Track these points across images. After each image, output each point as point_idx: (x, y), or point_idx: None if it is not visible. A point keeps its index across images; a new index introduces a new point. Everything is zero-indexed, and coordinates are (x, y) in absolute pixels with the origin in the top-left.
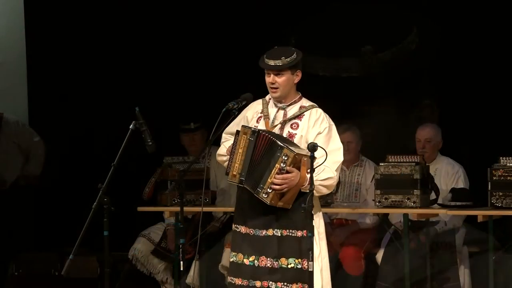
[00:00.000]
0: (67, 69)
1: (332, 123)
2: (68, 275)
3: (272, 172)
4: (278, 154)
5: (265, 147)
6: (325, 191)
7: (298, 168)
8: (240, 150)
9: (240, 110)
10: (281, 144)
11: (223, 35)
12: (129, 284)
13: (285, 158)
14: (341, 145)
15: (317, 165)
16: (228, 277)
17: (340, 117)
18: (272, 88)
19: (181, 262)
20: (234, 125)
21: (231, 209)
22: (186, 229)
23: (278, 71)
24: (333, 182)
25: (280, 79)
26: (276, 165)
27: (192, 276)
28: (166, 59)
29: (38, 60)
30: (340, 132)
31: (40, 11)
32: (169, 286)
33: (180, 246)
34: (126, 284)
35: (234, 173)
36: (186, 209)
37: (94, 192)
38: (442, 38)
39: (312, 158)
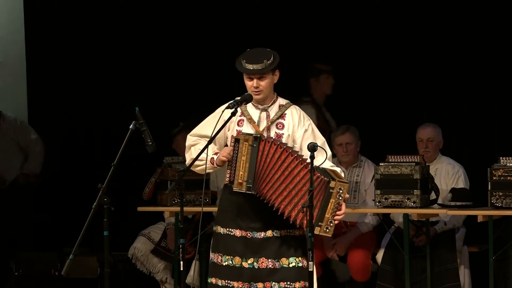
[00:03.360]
0: (67, 68)
1: (309, 118)
2: (68, 275)
3: (329, 207)
4: (331, 190)
5: (272, 154)
6: None
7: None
8: (243, 158)
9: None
10: (330, 179)
11: (223, 35)
12: (129, 284)
13: (341, 192)
14: (324, 139)
15: (319, 164)
16: (222, 281)
17: (339, 117)
18: (255, 91)
19: (181, 262)
20: (203, 127)
21: None
22: (186, 229)
23: (261, 74)
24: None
25: (263, 82)
26: (331, 199)
27: (192, 276)
28: (166, 59)
29: (38, 59)
30: (338, 134)
31: (40, 11)
32: (168, 286)
33: (180, 246)
34: (126, 284)
35: (240, 181)
36: (186, 209)
37: (94, 192)
38: (441, 38)
39: (312, 158)
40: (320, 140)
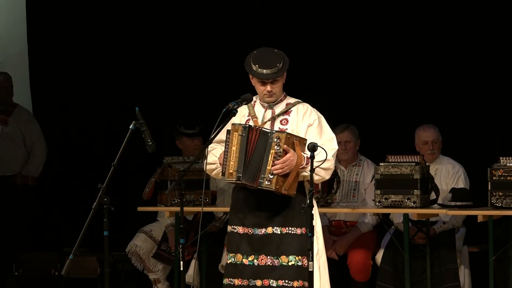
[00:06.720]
0: (68, 69)
1: (321, 115)
2: (68, 275)
3: (269, 158)
4: (270, 140)
5: (257, 140)
6: (323, 174)
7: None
8: (234, 148)
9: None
10: (270, 130)
11: (223, 35)
12: (129, 284)
13: (278, 141)
14: (333, 135)
15: (318, 164)
16: (226, 279)
17: (339, 117)
18: (268, 95)
19: (181, 263)
20: (222, 134)
21: None
22: (186, 229)
23: (274, 78)
24: (329, 164)
25: (276, 86)
26: (271, 150)
27: (192, 275)
28: (166, 60)
29: (40, 59)
30: (338, 132)
31: (42, 10)
32: (161, 286)
33: (181, 246)
34: (126, 284)
35: (231, 171)
36: (186, 209)
37: (94, 192)
38: (441, 38)
39: (312, 158)
40: (327, 135)
